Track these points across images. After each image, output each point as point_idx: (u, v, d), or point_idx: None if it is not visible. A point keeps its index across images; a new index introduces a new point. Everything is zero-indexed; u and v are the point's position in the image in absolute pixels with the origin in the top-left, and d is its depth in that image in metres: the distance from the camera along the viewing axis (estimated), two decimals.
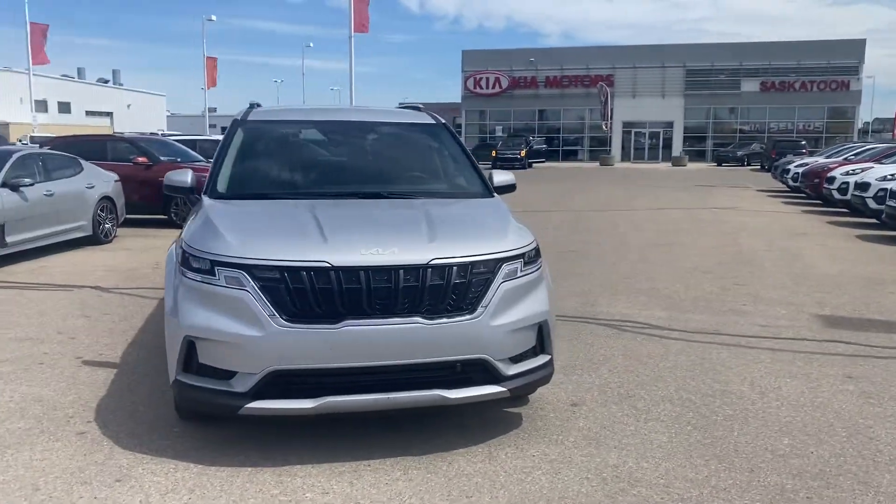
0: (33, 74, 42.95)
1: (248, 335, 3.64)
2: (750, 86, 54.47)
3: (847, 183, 16.47)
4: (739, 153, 49.40)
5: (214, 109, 67.17)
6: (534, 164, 46.77)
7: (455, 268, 3.81)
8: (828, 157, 22.92)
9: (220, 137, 6.65)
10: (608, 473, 3.75)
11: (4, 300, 7.66)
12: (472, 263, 3.86)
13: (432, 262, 3.77)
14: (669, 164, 51.12)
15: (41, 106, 55.26)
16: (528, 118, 58.86)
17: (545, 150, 51.69)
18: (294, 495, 3.50)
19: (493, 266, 3.92)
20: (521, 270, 4.05)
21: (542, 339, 4.16)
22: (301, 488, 3.56)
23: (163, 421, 4.36)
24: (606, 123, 53.97)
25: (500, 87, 58.14)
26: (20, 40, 47.87)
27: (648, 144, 57.40)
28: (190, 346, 3.80)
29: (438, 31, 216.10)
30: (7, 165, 9.90)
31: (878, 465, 3.86)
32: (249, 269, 3.71)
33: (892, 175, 14.44)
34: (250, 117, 5.51)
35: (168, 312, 4.01)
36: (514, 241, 4.15)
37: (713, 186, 28.01)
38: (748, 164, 47.40)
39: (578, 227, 14.49)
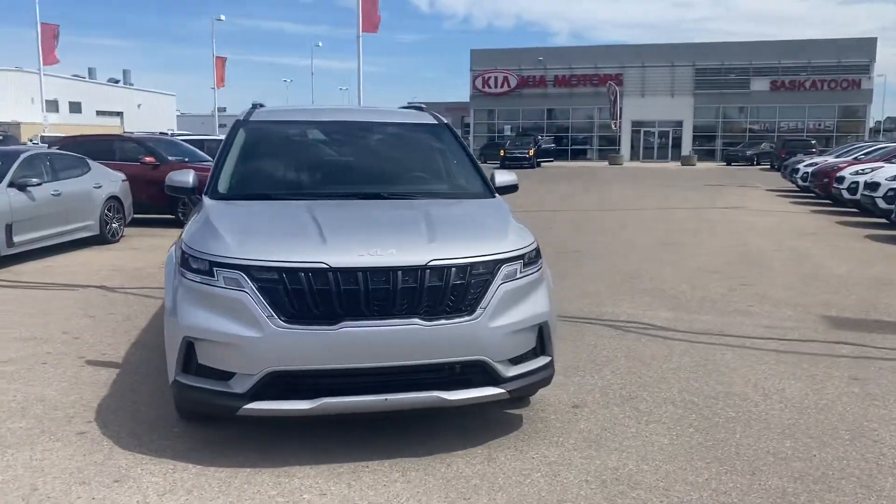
0: (44, 74, 43.19)
1: (247, 336, 3.64)
2: (760, 85, 54.23)
3: (857, 182, 16.36)
4: (749, 152, 49.15)
5: (224, 109, 67.50)
6: (542, 164, 46.72)
7: (454, 269, 3.79)
8: (837, 157, 22.78)
9: None
10: (608, 476, 3.73)
11: (10, 300, 7.69)
12: (471, 264, 3.84)
13: (431, 263, 3.76)
14: (678, 163, 50.96)
15: (52, 106, 55.61)
16: (537, 117, 58.77)
17: (554, 149, 51.59)
18: (292, 496, 3.49)
19: (493, 267, 3.90)
20: (521, 271, 4.02)
21: (542, 340, 4.14)
22: (299, 489, 3.55)
23: (163, 421, 4.36)
24: (615, 122, 53.85)
25: (509, 86, 58.07)
26: (31, 41, 48.08)
27: (657, 143, 57.23)
28: (189, 347, 3.80)
29: (448, 30, 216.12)
30: (15, 166, 9.95)
31: (881, 469, 3.82)
32: (248, 269, 3.70)
33: None
34: (252, 118, 5.51)
35: (167, 313, 4.02)
36: (513, 241, 4.13)
37: (722, 186, 27.88)
38: (758, 164, 47.16)
39: (585, 227, 14.45)
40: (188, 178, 5.09)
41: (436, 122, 5.67)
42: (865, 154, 20.94)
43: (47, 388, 4.96)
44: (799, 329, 6.62)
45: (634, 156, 56.26)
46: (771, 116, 55.05)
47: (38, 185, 10.10)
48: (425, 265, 3.75)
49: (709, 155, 55.02)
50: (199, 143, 18.54)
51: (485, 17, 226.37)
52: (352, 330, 3.63)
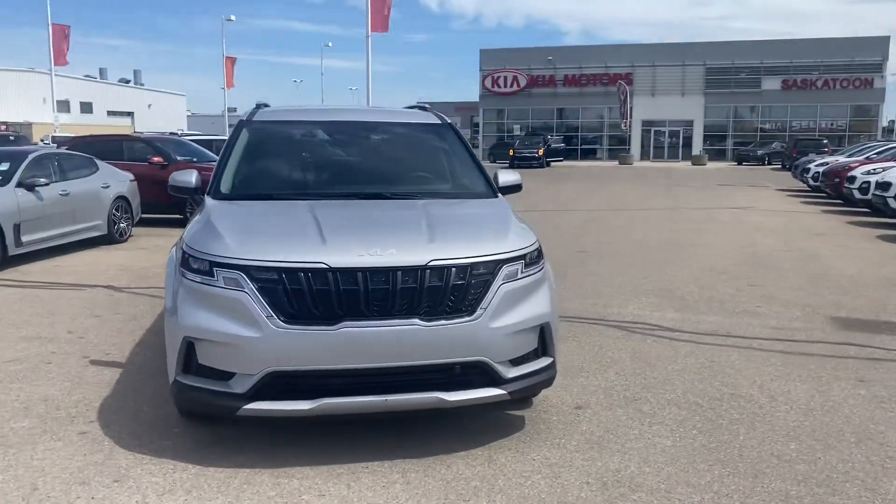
0: (56, 75, 43.47)
1: (246, 336, 3.63)
2: (771, 84, 53.89)
3: (868, 182, 16.21)
4: (760, 152, 48.85)
5: (235, 109, 67.63)
6: (552, 163, 46.63)
7: (454, 269, 3.77)
8: (849, 156, 22.60)
9: None
10: (609, 478, 3.70)
11: (18, 299, 7.73)
12: (472, 264, 3.82)
13: (431, 264, 3.74)
14: (689, 162, 50.71)
15: (63, 106, 56.00)
16: (547, 117, 58.64)
17: (563, 148, 51.49)
18: (290, 497, 3.48)
19: (493, 267, 3.88)
20: (522, 272, 4.00)
21: (543, 341, 4.10)
22: (298, 490, 3.54)
23: (164, 421, 4.37)
24: (625, 122, 53.65)
25: (518, 85, 57.96)
26: (42, 42, 48.41)
27: (668, 143, 56.98)
28: (189, 347, 3.80)
29: (458, 29, 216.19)
30: (23, 166, 10.01)
31: (886, 472, 3.77)
32: (247, 270, 3.69)
33: None
34: (256, 118, 5.50)
35: (168, 313, 4.02)
36: (515, 241, 4.10)
37: (732, 186, 27.73)
38: (769, 164, 46.88)
39: (593, 227, 14.39)
40: (191, 178, 5.10)
41: (439, 122, 5.65)
42: (877, 153, 20.77)
43: (51, 387, 4.97)
44: (807, 330, 6.56)
45: (645, 155, 56.03)
46: (782, 116, 54.71)
47: (46, 185, 10.15)
48: (425, 265, 3.73)
49: (719, 155, 54.73)
50: (208, 143, 18.61)
51: (495, 16, 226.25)
52: (351, 330, 3.62)
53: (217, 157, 15.97)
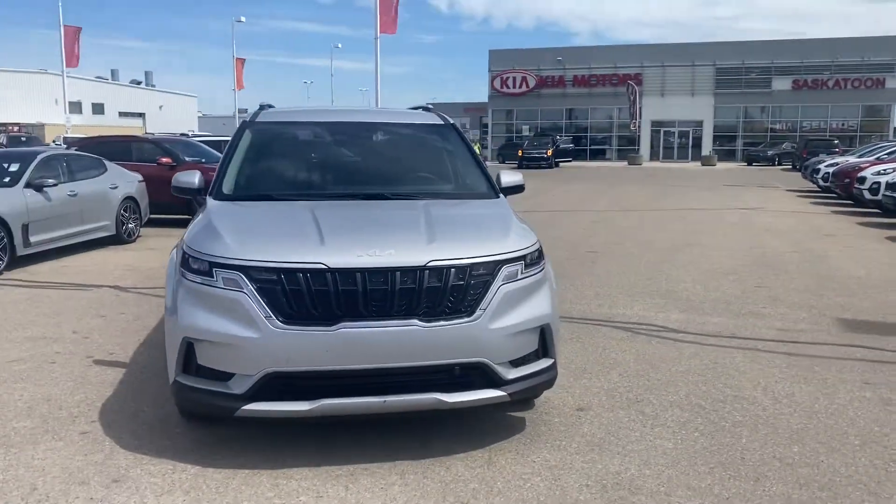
0: (68, 76, 43.78)
1: (245, 337, 3.63)
2: (782, 84, 53.58)
3: (878, 183, 16.10)
4: (770, 153, 48.59)
5: (245, 110, 67.83)
6: (561, 164, 46.55)
7: (453, 269, 3.75)
8: (859, 157, 22.44)
9: None
10: (609, 480, 3.68)
11: (25, 299, 7.77)
12: (471, 265, 3.81)
13: (430, 264, 3.73)
14: (699, 163, 50.51)
15: (75, 107, 56.40)
16: (556, 117, 58.53)
17: (572, 149, 51.38)
18: (288, 499, 3.47)
19: (493, 268, 3.86)
20: (523, 272, 3.98)
21: (544, 342, 4.08)
22: (296, 491, 3.54)
23: (165, 421, 4.38)
24: (635, 122, 53.48)
25: (528, 86, 57.88)
26: (54, 43, 48.73)
27: (677, 144, 56.75)
28: (189, 348, 3.80)
29: (467, 31, 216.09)
30: (31, 166, 10.07)
31: (890, 476, 3.74)
32: (246, 270, 3.69)
33: None
34: (259, 119, 5.51)
35: (168, 313, 4.03)
36: (515, 242, 4.08)
37: (742, 186, 27.59)
38: (779, 164, 46.63)
39: (602, 228, 14.35)
40: (194, 178, 5.10)
41: (441, 123, 5.64)
42: (888, 154, 20.62)
43: (54, 387, 4.99)
44: (812, 332, 6.51)
45: (654, 156, 55.84)
46: (793, 116, 54.39)
47: (55, 185, 10.20)
48: (424, 266, 3.72)
49: (729, 155, 54.47)
50: (217, 144, 18.67)
51: (504, 17, 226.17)
52: (350, 331, 3.61)
53: None
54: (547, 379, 4.11)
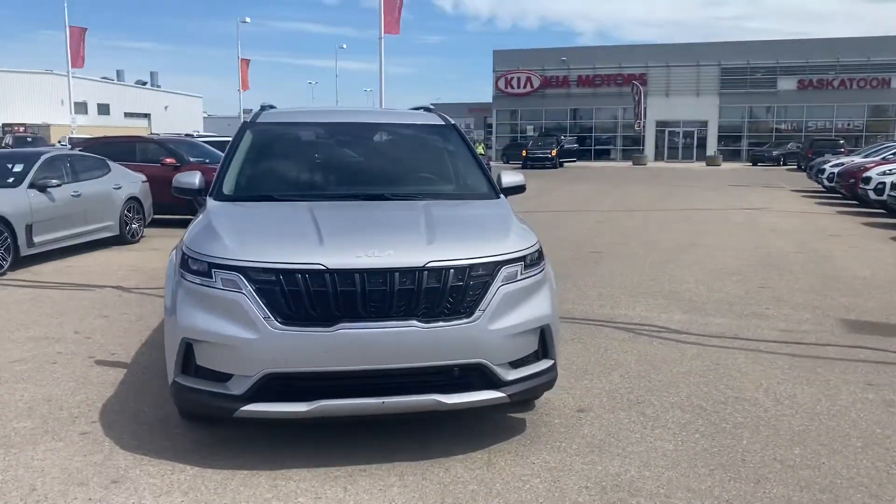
0: (74, 77, 43.91)
1: (244, 338, 3.63)
2: (787, 84, 53.39)
3: (883, 183, 16.05)
4: (775, 153, 48.45)
5: (250, 111, 67.99)
6: (565, 164, 46.50)
7: (452, 270, 3.74)
8: (865, 157, 22.36)
9: None
10: (608, 482, 3.66)
11: (27, 299, 7.79)
12: (471, 266, 3.79)
13: (429, 265, 3.72)
14: (703, 163, 50.39)
15: (81, 108, 56.56)
16: (560, 117, 58.44)
17: (576, 149, 51.29)
18: (287, 500, 3.47)
19: (492, 269, 3.85)
20: (522, 273, 3.97)
21: (544, 343, 4.07)
22: (294, 493, 3.53)
23: (166, 421, 4.38)
24: (639, 123, 53.38)
25: (532, 86, 57.81)
26: (60, 44, 48.88)
27: (682, 144, 56.61)
28: (188, 349, 3.80)
29: (472, 31, 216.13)
30: (35, 167, 10.09)
31: (891, 478, 3.71)
32: (245, 271, 3.69)
33: None
34: (259, 119, 5.51)
35: (167, 314, 4.03)
36: (514, 243, 4.07)
37: (747, 186, 27.51)
38: (784, 164, 46.50)
39: (606, 228, 14.32)
40: (194, 179, 5.10)
41: (442, 123, 5.62)
42: (893, 154, 20.54)
43: (55, 387, 5.00)
44: (816, 333, 6.48)
45: (659, 156, 55.71)
46: (798, 116, 54.19)
47: (58, 185, 10.22)
48: (423, 266, 3.71)
49: (734, 155, 54.32)
50: (221, 145, 18.69)
51: (509, 17, 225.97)
52: (349, 332, 3.60)
53: None
54: (547, 380, 4.10)
